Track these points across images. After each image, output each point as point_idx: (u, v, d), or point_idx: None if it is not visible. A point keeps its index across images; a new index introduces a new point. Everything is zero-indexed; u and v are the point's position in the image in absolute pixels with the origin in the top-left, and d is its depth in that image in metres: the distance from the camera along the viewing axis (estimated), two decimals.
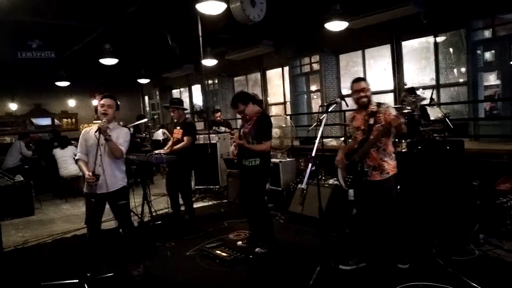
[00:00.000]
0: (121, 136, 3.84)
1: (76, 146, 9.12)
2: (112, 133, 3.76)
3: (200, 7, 5.66)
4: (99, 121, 3.72)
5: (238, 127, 4.76)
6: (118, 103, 3.93)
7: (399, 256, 3.71)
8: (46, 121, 17.01)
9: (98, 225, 3.94)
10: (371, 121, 3.56)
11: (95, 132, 3.65)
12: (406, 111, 4.73)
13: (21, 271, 4.26)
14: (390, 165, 3.61)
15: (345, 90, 10.56)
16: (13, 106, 15.92)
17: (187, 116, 5.89)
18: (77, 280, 3.62)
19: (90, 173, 3.60)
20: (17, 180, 7.15)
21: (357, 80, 3.70)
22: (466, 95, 8.07)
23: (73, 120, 17.64)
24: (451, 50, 8.56)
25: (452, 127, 4.97)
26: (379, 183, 3.59)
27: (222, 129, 8.22)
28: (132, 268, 3.89)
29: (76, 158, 3.92)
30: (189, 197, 5.81)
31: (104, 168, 3.73)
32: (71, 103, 17.31)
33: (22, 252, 5.02)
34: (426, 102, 5.64)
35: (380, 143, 3.56)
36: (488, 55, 8.08)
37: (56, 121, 17.22)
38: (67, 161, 8.16)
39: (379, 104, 3.63)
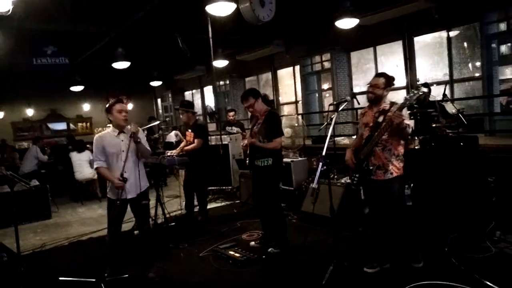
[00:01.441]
0: (141, 136, 3.86)
1: (92, 150, 9.29)
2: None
3: (209, 9, 5.69)
4: (130, 126, 3.74)
5: (250, 127, 4.78)
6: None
7: (412, 255, 3.65)
8: (61, 126, 17.32)
9: (120, 227, 4.00)
10: (380, 119, 3.47)
11: (130, 136, 3.68)
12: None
13: (39, 273, 4.34)
14: (395, 166, 3.49)
15: (357, 88, 10.49)
16: (29, 112, 16.20)
17: (197, 118, 5.90)
18: (94, 279, 3.68)
19: (119, 178, 3.61)
20: (33, 184, 7.28)
21: (377, 74, 3.67)
22: (481, 90, 7.92)
23: (88, 124, 17.91)
24: (465, 44, 8.41)
25: (465, 122, 4.88)
26: (382, 183, 3.51)
27: (235, 129, 8.23)
28: (147, 269, 3.93)
29: (96, 166, 3.81)
30: (205, 199, 5.85)
31: (133, 172, 3.77)
32: (86, 107, 17.57)
33: (40, 255, 5.11)
34: (439, 98, 5.57)
35: (386, 142, 3.47)
36: (503, 48, 7.91)
37: (72, 126, 17.51)
38: (83, 164, 8.29)
39: (392, 104, 3.51)
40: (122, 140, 3.76)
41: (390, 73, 3.62)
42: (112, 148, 3.73)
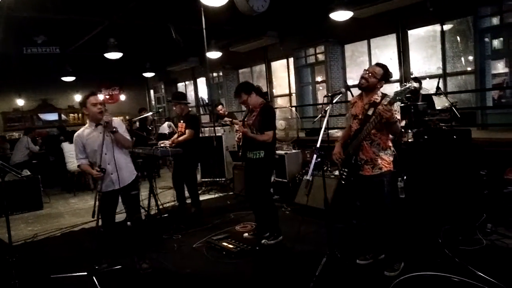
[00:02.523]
0: (118, 126, 3.80)
1: None
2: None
3: None
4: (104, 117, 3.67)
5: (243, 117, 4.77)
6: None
7: (390, 261, 3.50)
8: (53, 116, 17.13)
9: (113, 219, 3.99)
10: (370, 111, 3.33)
11: (104, 127, 3.63)
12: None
13: (31, 264, 4.32)
14: (385, 160, 3.37)
15: (351, 80, 10.49)
16: (20, 102, 16.03)
17: (190, 109, 5.87)
18: (85, 273, 3.66)
19: (97, 168, 3.61)
20: (24, 174, 7.21)
21: (377, 64, 3.47)
22: (473, 84, 7.97)
23: (80, 115, 17.72)
24: (458, 38, 8.43)
25: (459, 116, 4.91)
26: (369, 178, 3.39)
27: (227, 120, 8.18)
28: (140, 260, 3.92)
29: (77, 164, 3.85)
30: (195, 190, 5.83)
31: (116, 163, 3.73)
32: (78, 97, 17.33)
33: (31, 246, 5.08)
34: (432, 91, 5.59)
35: (374, 136, 3.34)
36: (496, 43, 7.95)
37: (63, 116, 17.33)
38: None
39: (383, 96, 3.35)
40: (100, 133, 3.70)
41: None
42: (92, 143, 3.71)
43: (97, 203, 3.64)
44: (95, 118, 3.72)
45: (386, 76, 3.41)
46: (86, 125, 3.85)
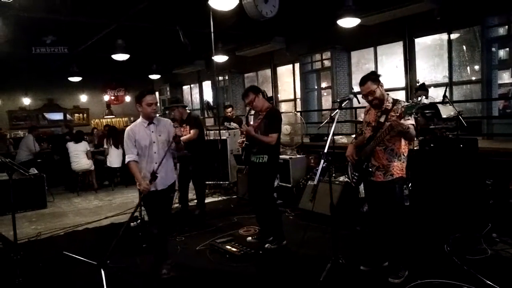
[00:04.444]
0: (171, 130, 3.84)
1: (89, 142, 9.22)
2: (163, 128, 3.78)
3: (212, 3, 5.66)
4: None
5: (249, 119, 4.76)
6: None
7: (394, 268, 3.49)
8: (58, 116, 17.19)
9: (157, 217, 3.86)
10: (382, 118, 3.35)
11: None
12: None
13: (35, 262, 4.32)
14: (397, 167, 3.36)
15: (356, 87, 10.44)
16: (26, 101, 16.10)
17: (188, 111, 5.86)
18: (95, 263, 3.58)
19: (147, 183, 3.55)
20: (32, 173, 7.23)
21: (362, 82, 3.39)
22: (479, 93, 7.96)
23: (85, 115, 17.79)
24: (464, 47, 8.44)
25: (465, 125, 4.90)
26: (381, 185, 3.39)
27: (233, 125, 8.22)
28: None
29: (127, 160, 3.72)
30: (203, 192, 5.84)
31: (164, 165, 3.70)
32: (83, 98, 17.45)
33: (35, 244, 5.09)
34: (438, 100, 5.60)
35: (388, 142, 3.34)
36: (502, 53, 7.96)
37: (68, 116, 17.40)
38: (79, 155, 8.25)
39: (395, 102, 3.37)
40: (152, 132, 3.73)
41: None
42: (143, 140, 3.70)
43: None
44: (148, 116, 3.73)
45: (377, 80, 3.38)
46: (139, 121, 3.80)
